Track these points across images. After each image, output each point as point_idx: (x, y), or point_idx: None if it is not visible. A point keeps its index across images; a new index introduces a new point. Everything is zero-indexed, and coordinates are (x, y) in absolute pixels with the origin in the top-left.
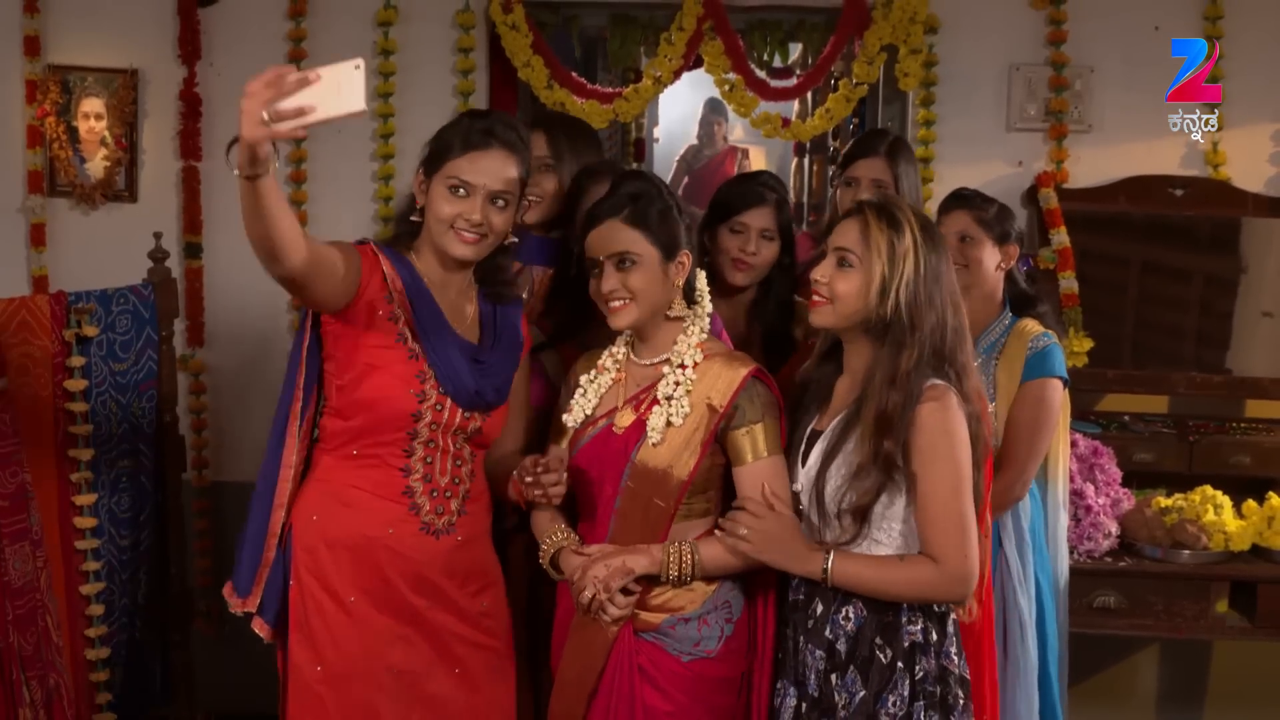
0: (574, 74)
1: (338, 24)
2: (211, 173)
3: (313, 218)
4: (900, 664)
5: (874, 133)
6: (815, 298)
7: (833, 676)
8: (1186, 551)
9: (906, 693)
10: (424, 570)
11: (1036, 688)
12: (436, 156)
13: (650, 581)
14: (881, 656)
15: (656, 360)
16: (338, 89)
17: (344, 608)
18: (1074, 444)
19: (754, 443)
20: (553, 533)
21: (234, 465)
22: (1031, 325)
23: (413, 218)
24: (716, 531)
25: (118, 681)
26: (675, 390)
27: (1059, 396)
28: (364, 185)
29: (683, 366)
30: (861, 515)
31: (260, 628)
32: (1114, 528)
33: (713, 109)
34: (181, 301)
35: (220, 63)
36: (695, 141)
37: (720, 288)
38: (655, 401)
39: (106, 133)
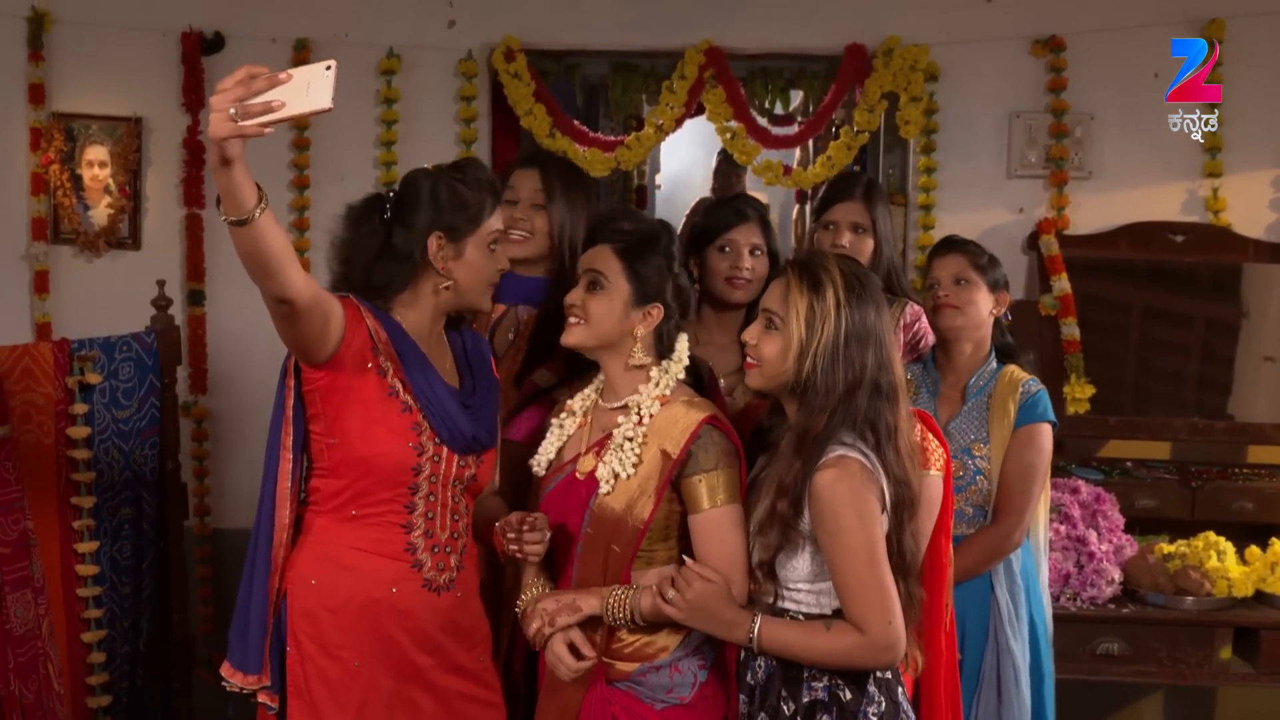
0: (576, 122)
1: (341, 72)
2: (214, 220)
3: (315, 265)
4: (800, 718)
5: (848, 176)
6: (747, 360)
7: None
8: (1190, 598)
9: None
10: (428, 628)
11: None
12: (467, 220)
13: (597, 623)
14: (785, 708)
15: (617, 405)
16: (306, 87)
17: (348, 672)
18: (1076, 490)
19: (710, 490)
20: (531, 585)
21: (236, 513)
22: (1017, 372)
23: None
24: (652, 587)
25: None
26: (626, 441)
27: (1050, 441)
28: None
29: (639, 415)
30: (767, 570)
31: (272, 700)
32: (1117, 574)
33: (728, 159)
34: (184, 349)
35: None
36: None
37: (715, 306)
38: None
39: (110, 180)
